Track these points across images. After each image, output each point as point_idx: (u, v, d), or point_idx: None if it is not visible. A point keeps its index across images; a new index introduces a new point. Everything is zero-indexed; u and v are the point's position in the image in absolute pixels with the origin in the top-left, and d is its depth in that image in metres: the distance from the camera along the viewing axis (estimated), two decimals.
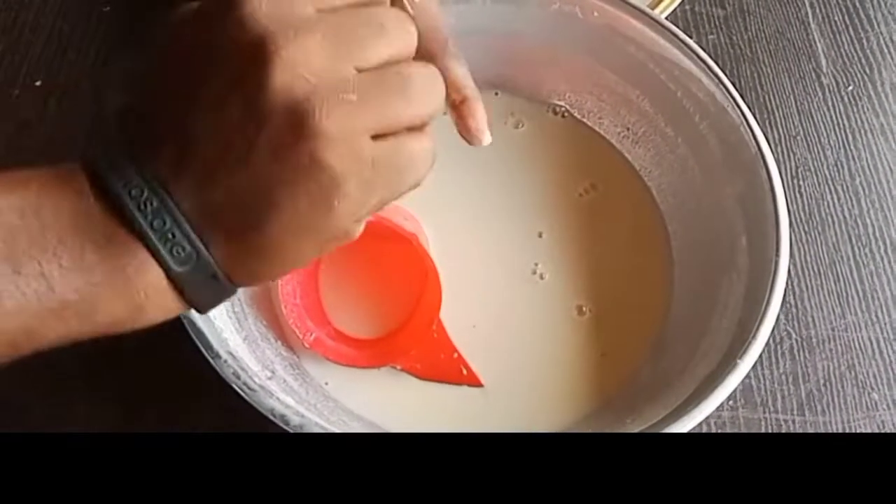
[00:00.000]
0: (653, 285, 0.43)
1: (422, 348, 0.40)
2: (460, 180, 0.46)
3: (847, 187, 0.50)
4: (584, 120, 0.48)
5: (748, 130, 0.39)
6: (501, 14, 0.44)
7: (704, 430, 0.42)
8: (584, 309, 0.42)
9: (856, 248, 0.48)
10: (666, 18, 0.50)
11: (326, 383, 0.40)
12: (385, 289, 0.42)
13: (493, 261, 0.44)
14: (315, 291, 0.42)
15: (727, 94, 0.40)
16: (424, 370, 0.40)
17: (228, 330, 0.36)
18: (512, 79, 0.48)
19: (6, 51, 0.51)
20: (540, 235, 0.44)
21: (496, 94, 0.48)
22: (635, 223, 0.45)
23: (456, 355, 0.40)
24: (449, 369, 0.40)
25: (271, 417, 0.32)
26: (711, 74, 0.41)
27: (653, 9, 0.51)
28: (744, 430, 0.42)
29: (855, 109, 0.53)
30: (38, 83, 0.50)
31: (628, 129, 0.46)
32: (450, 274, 0.39)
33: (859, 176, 0.51)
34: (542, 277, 0.43)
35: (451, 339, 0.40)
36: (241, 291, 0.39)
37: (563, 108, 0.48)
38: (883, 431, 0.43)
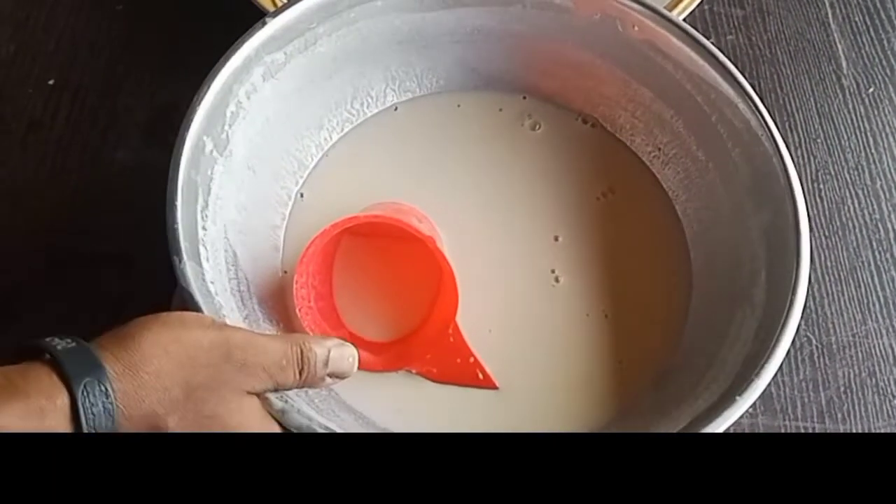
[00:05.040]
0: (670, 294, 0.42)
1: (437, 352, 0.39)
2: (476, 181, 0.45)
3: (868, 191, 0.49)
4: (616, 134, 0.47)
5: (780, 162, 0.38)
6: (541, 20, 0.43)
7: None
8: (600, 314, 0.42)
9: (877, 253, 0.47)
10: (685, 19, 0.50)
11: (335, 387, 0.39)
12: (400, 291, 0.42)
13: (508, 264, 0.43)
14: (329, 294, 0.41)
15: (763, 123, 0.39)
16: (440, 373, 0.40)
17: None
18: (544, 86, 0.47)
19: (19, 49, 0.51)
20: (556, 239, 0.44)
21: (524, 97, 0.47)
22: (653, 228, 0.44)
23: (472, 359, 0.40)
24: (465, 373, 0.40)
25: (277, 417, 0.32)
26: (749, 101, 0.39)
27: (671, 9, 0.50)
28: None
29: (876, 112, 0.52)
30: (50, 82, 0.50)
31: (660, 149, 0.45)
32: (465, 277, 0.38)
33: (880, 179, 0.50)
34: (557, 281, 0.43)
35: (467, 343, 0.40)
36: (253, 294, 0.39)
37: (592, 119, 0.47)
38: None
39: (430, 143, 0.46)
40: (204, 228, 0.37)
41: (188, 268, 0.34)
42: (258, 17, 0.40)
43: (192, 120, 0.36)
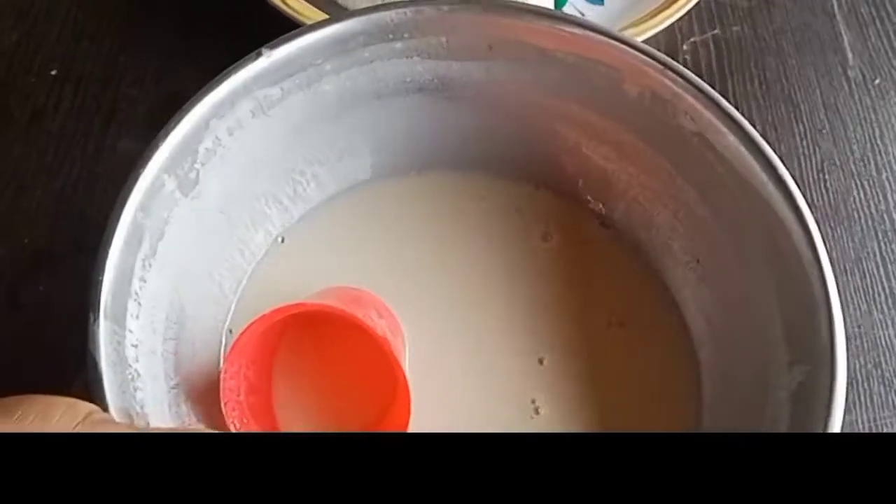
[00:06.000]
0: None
1: None
2: (454, 286, 0.39)
3: (874, 182, 0.49)
4: (650, 237, 0.40)
5: (827, 313, 0.31)
6: (588, 88, 0.37)
7: None
8: None
9: (882, 244, 0.47)
10: (689, 9, 0.49)
11: None
12: (348, 396, 0.36)
13: (479, 385, 0.37)
14: (266, 389, 0.36)
15: (818, 263, 0.32)
16: None
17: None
18: (567, 172, 0.41)
19: (21, 38, 0.51)
20: (541, 362, 0.38)
21: (536, 187, 0.41)
22: (660, 363, 0.38)
23: None
24: None
25: None
26: (807, 233, 0.33)
27: (675, 1, 0.50)
28: None
29: (882, 103, 0.52)
30: (53, 72, 0.50)
31: (698, 261, 0.38)
32: (424, 393, 0.33)
33: (886, 171, 0.50)
34: (537, 412, 0.37)
35: None
36: (196, 360, 0.35)
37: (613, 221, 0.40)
38: None
39: (412, 228, 0.40)
40: (143, 280, 0.32)
41: (101, 329, 0.30)
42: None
43: (149, 158, 0.32)
